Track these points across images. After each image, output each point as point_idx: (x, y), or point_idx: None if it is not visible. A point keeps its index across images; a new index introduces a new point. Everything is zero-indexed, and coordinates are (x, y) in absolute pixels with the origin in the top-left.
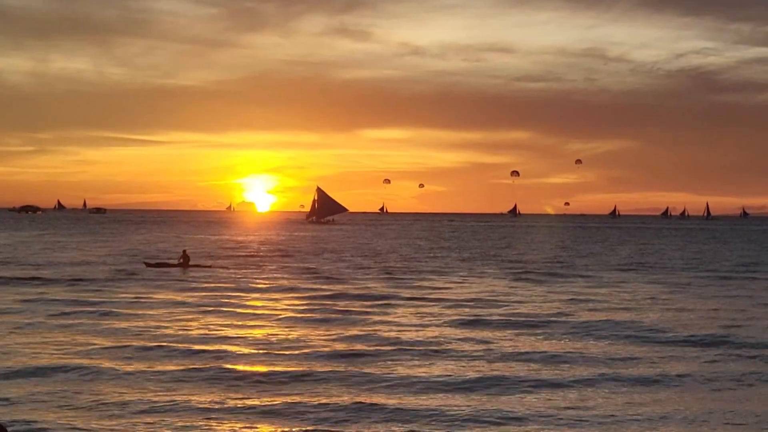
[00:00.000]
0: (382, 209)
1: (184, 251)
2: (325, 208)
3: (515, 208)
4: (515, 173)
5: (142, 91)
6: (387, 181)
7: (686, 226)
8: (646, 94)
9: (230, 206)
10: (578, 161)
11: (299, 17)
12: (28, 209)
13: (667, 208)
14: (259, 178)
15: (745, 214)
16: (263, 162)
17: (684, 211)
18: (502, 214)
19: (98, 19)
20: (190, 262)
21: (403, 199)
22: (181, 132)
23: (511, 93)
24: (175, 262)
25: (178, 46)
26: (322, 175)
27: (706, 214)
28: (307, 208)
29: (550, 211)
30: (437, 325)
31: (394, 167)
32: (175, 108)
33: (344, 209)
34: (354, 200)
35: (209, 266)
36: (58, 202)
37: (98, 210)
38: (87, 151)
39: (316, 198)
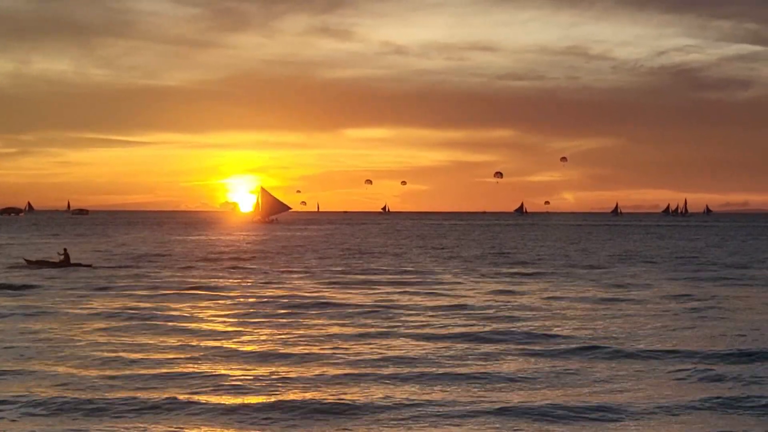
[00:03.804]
0: (384, 209)
1: (65, 249)
2: (268, 207)
3: (522, 206)
4: (498, 174)
5: (125, 91)
6: (369, 181)
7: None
8: (628, 92)
9: (233, 207)
10: (563, 158)
11: (281, 17)
12: (11, 211)
13: (668, 206)
14: (243, 179)
15: (708, 211)
16: (246, 162)
17: (677, 208)
18: (485, 212)
19: (80, 19)
20: (72, 262)
21: (386, 197)
22: (164, 132)
23: (494, 91)
24: (56, 260)
25: (160, 47)
26: (305, 174)
27: (683, 211)
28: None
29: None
30: None
31: (377, 166)
32: (157, 109)
33: (287, 208)
34: (338, 200)
35: (89, 266)
36: (29, 204)
37: (81, 211)
38: (69, 152)
39: (259, 198)
